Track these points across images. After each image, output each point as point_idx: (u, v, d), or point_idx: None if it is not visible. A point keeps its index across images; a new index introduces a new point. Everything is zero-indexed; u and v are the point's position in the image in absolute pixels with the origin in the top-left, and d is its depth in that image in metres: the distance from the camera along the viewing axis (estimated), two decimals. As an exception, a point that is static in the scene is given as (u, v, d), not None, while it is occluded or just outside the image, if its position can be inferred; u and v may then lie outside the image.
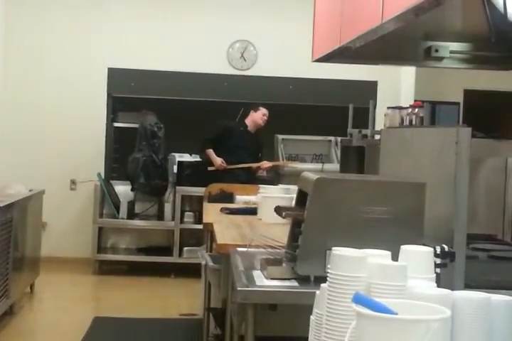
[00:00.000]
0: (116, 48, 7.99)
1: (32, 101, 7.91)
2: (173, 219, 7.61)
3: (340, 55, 3.81)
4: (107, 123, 7.96)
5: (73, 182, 7.99)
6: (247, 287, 2.41)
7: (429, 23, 2.90)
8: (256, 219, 4.38)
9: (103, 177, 7.73)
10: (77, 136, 7.90)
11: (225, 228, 3.97)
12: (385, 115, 5.08)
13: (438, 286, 1.76)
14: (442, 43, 3.24)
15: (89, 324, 5.54)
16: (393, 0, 2.74)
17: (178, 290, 6.92)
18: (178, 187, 7.62)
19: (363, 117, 5.20)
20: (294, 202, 2.77)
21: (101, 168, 7.83)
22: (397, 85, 8.01)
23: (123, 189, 7.72)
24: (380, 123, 5.19)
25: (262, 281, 2.49)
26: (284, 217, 2.68)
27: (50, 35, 7.97)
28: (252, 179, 7.11)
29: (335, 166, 7.00)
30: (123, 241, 8.02)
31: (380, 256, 1.73)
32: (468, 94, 8.11)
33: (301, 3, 6.89)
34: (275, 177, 7.47)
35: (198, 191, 6.86)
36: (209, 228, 4.30)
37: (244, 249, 2.97)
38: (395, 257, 1.79)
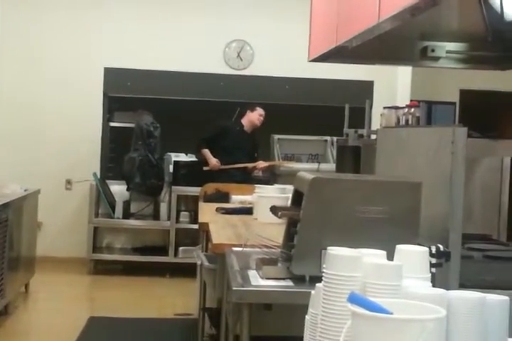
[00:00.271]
0: (113, 48, 7.98)
1: (28, 101, 7.90)
2: (168, 218, 7.60)
3: (337, 55, 3.80)
4: (103, 123, 7.95)
5: (69, 181, 7.98)
6: (243, 287, 2.41)
7: (425, 23, 2.90)
8: (252, 219, 4.37)
9: (99, 176, 7.72)
10: (72, 136, 7.88)
11: (220, 228, 3.97)
12: (381, 115, 5.07)
13: (433, 286, 1.76)
14: (438, 43, 3.24)
15: (85, 324, 5.53)
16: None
17: (174, 289, 6.91)
18: (173, 187, 7.61)
19: (359, 117, 5.19)
20: (289, 202, 2.77)
21: (97, 168, 7.82)
22: (393, 85, 8.01)
23: (119, 188, 7.71)
24: (376, 123, 5.18)
25: (258, 281, 2.49)
26: (279, 217, 2.68)
27: (46, 35, 7.96)
28: (247, 179, 7.10)
29: (331, 166, 6.99)
30: (118, 240, 8.01)
31: (375, 256, 1.73)
32: (465, 93, 8.13)
33: (297, 3, 6.88)
34: (271, 177, 7.46)
35: (194, 191, 6.85)
36: (205, 228, 4.29)
37: (240, 249, 2.96)
38: (390, 257, 1.79)
